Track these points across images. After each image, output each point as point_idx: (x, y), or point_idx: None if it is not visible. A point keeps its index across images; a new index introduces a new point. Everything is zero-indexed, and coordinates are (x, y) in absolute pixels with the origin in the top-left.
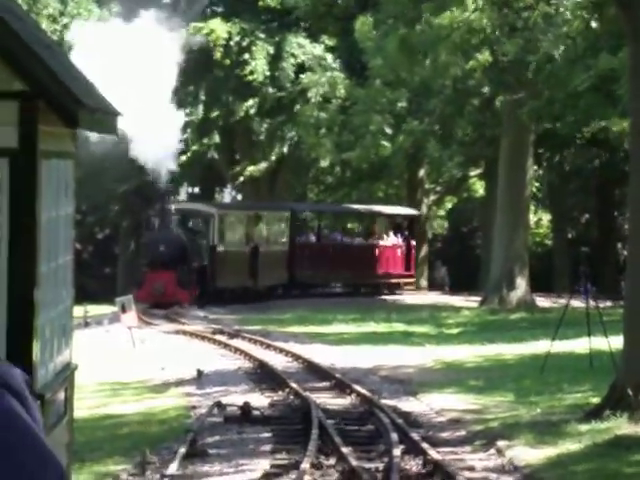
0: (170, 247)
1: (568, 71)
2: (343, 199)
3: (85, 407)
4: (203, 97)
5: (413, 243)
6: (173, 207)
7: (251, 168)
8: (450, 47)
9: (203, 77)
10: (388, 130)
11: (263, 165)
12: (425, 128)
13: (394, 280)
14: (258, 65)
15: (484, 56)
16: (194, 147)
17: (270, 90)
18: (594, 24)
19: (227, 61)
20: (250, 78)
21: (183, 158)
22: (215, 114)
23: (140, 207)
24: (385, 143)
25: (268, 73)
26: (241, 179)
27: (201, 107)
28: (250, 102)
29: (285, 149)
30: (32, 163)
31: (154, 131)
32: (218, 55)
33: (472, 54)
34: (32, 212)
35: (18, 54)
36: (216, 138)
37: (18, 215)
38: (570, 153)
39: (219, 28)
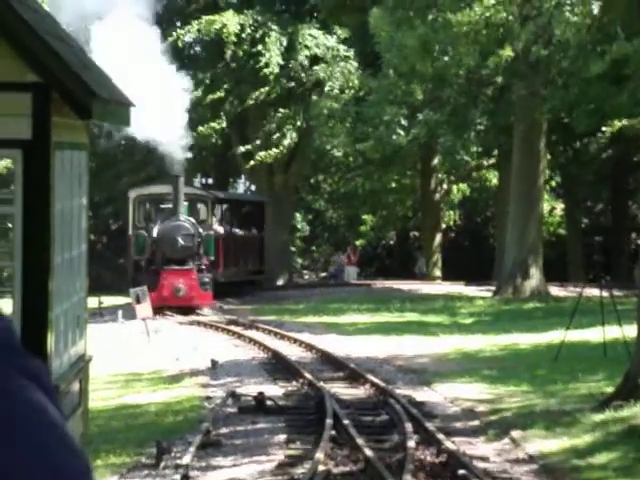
0: (187, 241)
1: (583, 59)
2: (356, 189)
3: (99, 398)
4: (207, 81)
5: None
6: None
7: (262, 154)
8: (469, 43)
9: (214, 66)
10: (403, 121)
11: (275, 151)
12: (439, 118)
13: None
14: (272, 57)
15: (506, 51)
16: (200, 128)
17: (284, 81)
18: (595, 10)
19: (240, 53)
20: (266, 71)
21: (190, 141)
22: (215, 96)
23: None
24: (401, 132)
25: (281, 63)
26: (251, 163)
27: (206, 91)
28: (262, 90)
29: (294, 137)
30: (45, 154)
31: (159, 112)
32: (229, 52)
33: (491, 48)
34: (46, 203)
35: (31, 46)
36: (223, 124)
37: (32, 206)
38: (583, 142)
39: (231, 22)
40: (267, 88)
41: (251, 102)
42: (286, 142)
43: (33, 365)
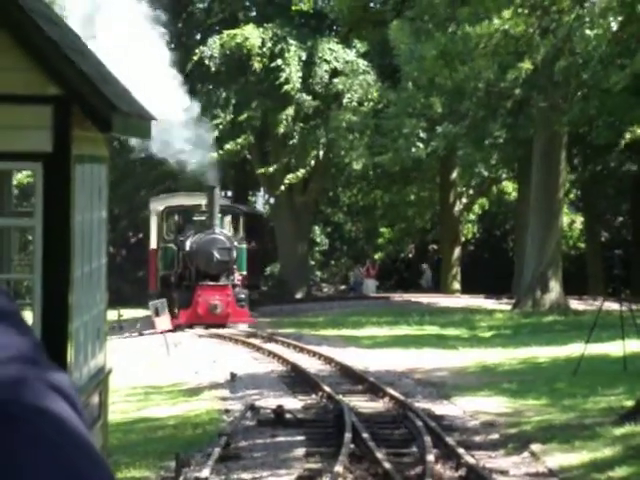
0: (223, 255)
1: (603, 72)
2: (375, 202)
3: (119, 411)
4: (234, 101)
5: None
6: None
7: (290, 176)
8: (487, 54)
9: (235, 81)
10: (422, 134)
11: (302, 171)
12: (458, 131)
13: None
14: (292, 73)
15: (525, 64)
16: (227, 146)
17: (304, 96)
18: (614, 26)
19: (260, 66)
20: (286, 88)
21: (214, 155)
22: (244, 116)
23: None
24: (420, 145)
25: (301, 79)
26: (282, 188)
27: (231, 110)
28: (288, 111)
29: (321, 153)
30: (66, 167)
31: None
32: (256, 65)
33: (511, 61)
34: (66, 216)
35: (53, 59)
36: (251, 139)
37: (52, 219)
38: (603, 156)
39: (253, 35)
40: (293, 109)
41: (281, 125)
42: (312, 161)
43: (61, 381)
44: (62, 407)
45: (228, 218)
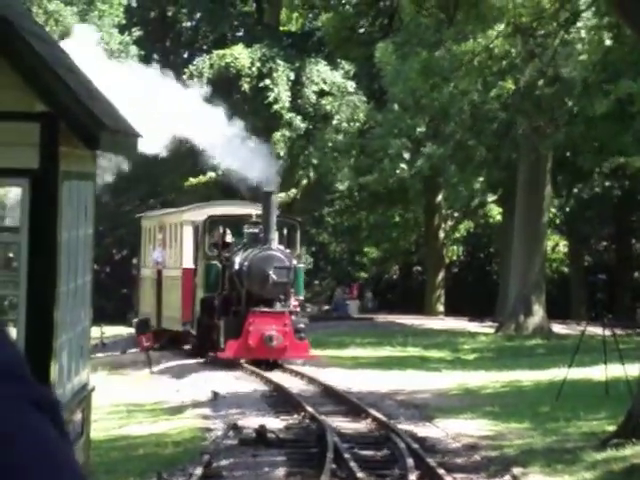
0: (281, 276)
1: (587, 97)
2: (360, 223)
3: (101, 428)
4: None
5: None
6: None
7: (282, 195)
8: (471, 73)
9: (224, 100)
10: (406, 155)
11: (293, 191)
12: (443, 153)
13: None
14: (281, 92)
15: (507, 84)
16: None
17: (291, 115)
18: (608, 42)
19: (249, 87)
20: (276, 107)
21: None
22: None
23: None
24: (403, 166)
25: (290, 99)
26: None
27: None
28: (279, 134)
29: (311, 174)
30: (53, 184)
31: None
32: (245, 85)
33: (494, 82)
34: (52, 233)
35: (41, 76)
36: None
37: (38, 235)
38: (588, 181)
39: (242, 55)
40: (286, 129)
41: (278, 145)
42: (304, 181)
43: (45, 396)
44: (46, 428)
45: (282, 231)
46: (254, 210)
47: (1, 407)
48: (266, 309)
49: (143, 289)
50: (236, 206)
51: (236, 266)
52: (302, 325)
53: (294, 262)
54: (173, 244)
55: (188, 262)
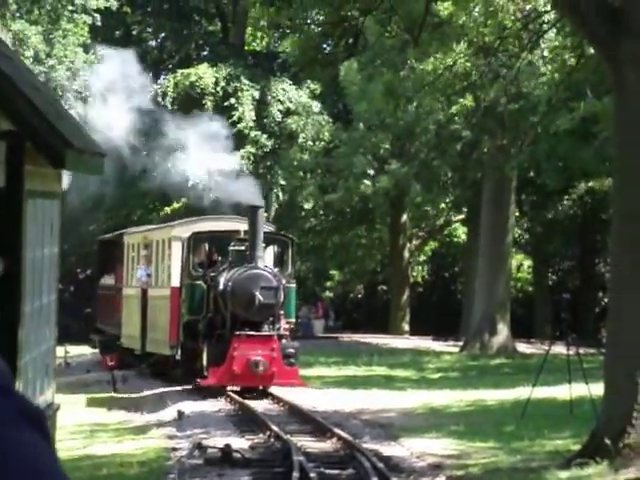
0: (269, 297)
1: (551, 116)
2: (325, 242)
3: (65, 448)
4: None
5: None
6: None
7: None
8: (434, 92)
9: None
10: (370, 171)
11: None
12: (408, 171)
13: None
14: (246, 112)
15: (467, 100)
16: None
17: (257, 133)
18: (572, 60)
19: (213, 105)
20: (240, 126)
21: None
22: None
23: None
24: (367, 182)
25: (254, 118)
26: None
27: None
28: (242, 152)
29: (280, 195)
30: (18, 202)
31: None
32: (209, 104)
33: (455, 99)
34: (17, 251)
35: (6, 94)
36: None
37: (3, 254)
38: (552, 200)
39: (207, 74)
40: (251, 146)
41: (245, 164)
42: (274, 202)
43: (33, 409)
44: (39, 443)
45: (271, 249)
46: (245, 226)
47: None
48: (252, 333)
49: (126, 310)
50: (228, 222)
51: (220, 286)
52: (292, 350)
53: (283, 282)
54: (160, 261)
55: (177, 281)
